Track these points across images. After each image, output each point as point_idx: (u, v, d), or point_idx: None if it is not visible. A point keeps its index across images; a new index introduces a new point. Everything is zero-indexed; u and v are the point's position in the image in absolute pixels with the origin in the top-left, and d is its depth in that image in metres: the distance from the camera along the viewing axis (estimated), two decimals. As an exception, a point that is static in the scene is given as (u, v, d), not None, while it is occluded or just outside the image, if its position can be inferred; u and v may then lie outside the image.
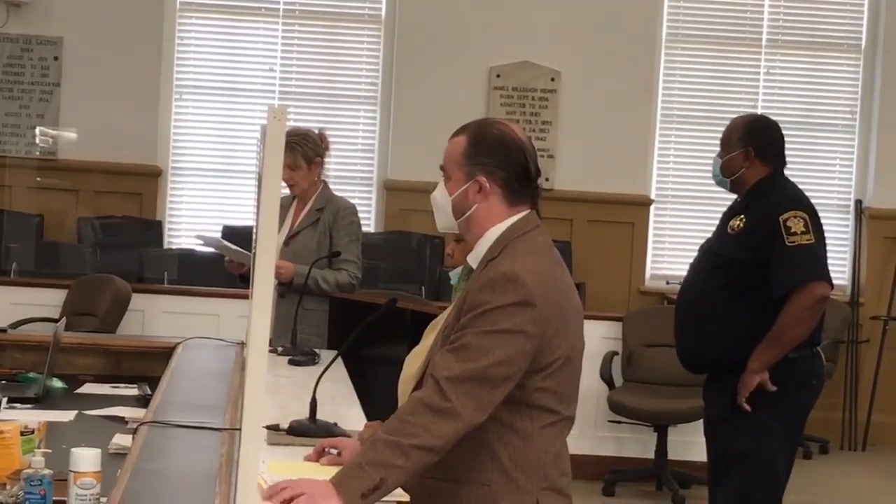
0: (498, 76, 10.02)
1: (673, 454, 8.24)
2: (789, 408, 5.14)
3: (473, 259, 3.26)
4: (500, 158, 3.21)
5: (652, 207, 10.26)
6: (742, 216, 5.17)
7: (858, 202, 10.35)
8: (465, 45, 10.00)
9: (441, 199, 3.29)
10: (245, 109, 10.13)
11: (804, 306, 4.99)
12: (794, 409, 5.19)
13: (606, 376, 8.26)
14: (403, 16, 10.05)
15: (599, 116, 10.05)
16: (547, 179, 9.63)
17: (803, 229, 5.03)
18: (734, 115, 9.16)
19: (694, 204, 10.28)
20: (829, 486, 8.68)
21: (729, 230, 5.19)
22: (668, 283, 10.08)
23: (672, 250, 10.33)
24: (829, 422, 9.56)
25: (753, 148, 5.22)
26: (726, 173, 5.26)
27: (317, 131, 6.20)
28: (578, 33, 10.05)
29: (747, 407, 5.07)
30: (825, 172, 10.44)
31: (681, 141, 10.38)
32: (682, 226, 10.37)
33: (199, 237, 7.00)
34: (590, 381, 7.94)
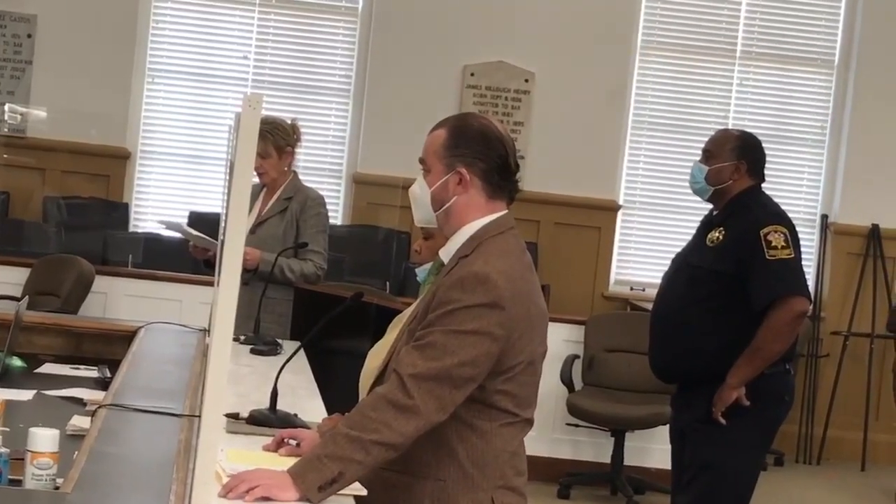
0: (472, 75, 10.02)
1: (629, 460, 8.26)
2: (762, 422, 5.18)
3: (445, 254, 3.26)
4: (481, 150, 3.22)
5: (619, 213, 10.28)
6: (721, 229, 5.20)
7: (824, 217, 10.40)
8: (441, 43, 10.00)
9: (420, 193, 3.29)
10: (217, 96, 10.10)
11: (783, 322, 5.02)
12: (766, 424, 5.24)
13: (566, 379, 8.27)
14: (380, 9, 10.04)
15: (571, 120, 10.07)
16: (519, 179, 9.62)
17: (783, 244, 5.07)
18: (706, 125, 9.24)
19: (661, 211, 10.30)
20: (784, 499, 8.71)
21: (708, 242, 5.21)
22: (632, 289, 10.10)
23: (638, 257, 10.33)
24: (785, 435, 9.59)
25: (747, 162, 5.25)
26: (712, 182, 5.26)
27: (290, 121, 6.20)
28: (554, 36, 10.06)
29: (723, 420, 5.09)
30: (793, 186, 10.46)
31: (651, 148, 10.40)
32: (648, 233, 10.38)
33: (161, 222, 6.99)
34: (549, 384, 7.94)
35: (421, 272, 3.60)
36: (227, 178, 3.62)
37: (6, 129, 9.78)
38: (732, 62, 10.43)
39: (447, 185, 3.22)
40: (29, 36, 9.78)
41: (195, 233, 6.03)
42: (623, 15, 10.19)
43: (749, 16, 10.43)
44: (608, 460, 8.29)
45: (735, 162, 5.24)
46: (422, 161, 3.29)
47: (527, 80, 10.07)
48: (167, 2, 10.09)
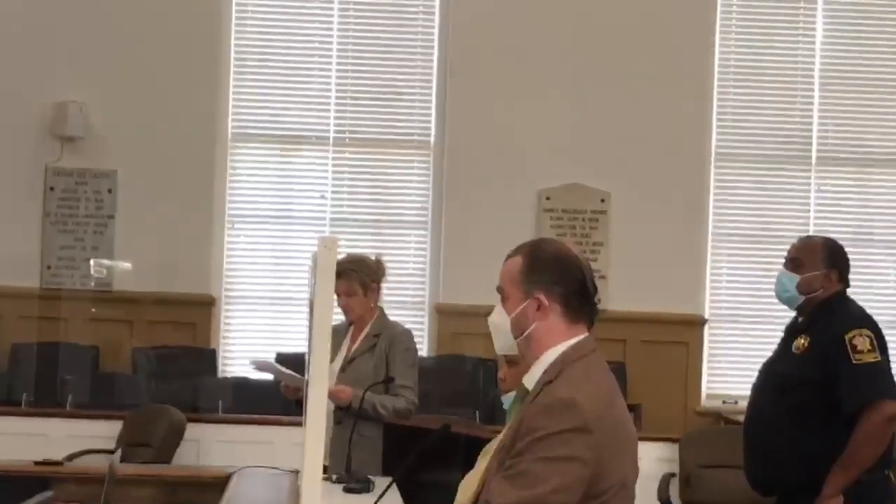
0: (547, 198, 10.05)
1: (735, 577, 8.11)
2: None
3: (529, 381, 3.24)
4: (558, 275, 3.22)
5: (706, 326, 10.20)
6: (806, 336, 5.15)
7: (919, 316, 10.25)
8: (514, 169, 10.03)
9: (499, 320, 3.29)
10: (297, 237, 10.20)
11: (875, 425, 4.96)
12: None
13: (664, 499, 8.16)
14: (452, 140, 10.12)
15: (650, 236, 10.03)
16: (599, 300, 9.59)
17: (869, 347, 5.02)
18: (786, 233, 9.17)
19: (748, 322, 10.20)
20: None
21: (794, 350, 5.18)
22: (724, 402, 9.98)
23: (728, 370, 10.23)
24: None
25: (839, 271, 5.23)
26: (804, 290, 5.23)
27: (374, 258, 6.24)
28: (627, 154, 10.07)
29: None
30: (884, 289, 10.34)
31: (733, 259, 10.35)
32: (737, 345, 10.27)
33: (253, 362, 7.01)
34: (648, 504, 7.85)
35: (506, 400, 3.58)
36: (310, 317, 3.64)
37: (93, 284, 9.92)
38: (808, 167, 10.38)
39: (526, 311, 3.22)
40: (110, 191, 9.95)
41: (287, 371, 6.04)
42: (695, 127, 10.19)
43: (822, 120, 10.39)
44: (715, 579, 8.14)
45: (826, 271, 5.22)
46: (499, 289, 3.29)
47: (603, 200, 10.08)
48: (243, 148, 10.24)
